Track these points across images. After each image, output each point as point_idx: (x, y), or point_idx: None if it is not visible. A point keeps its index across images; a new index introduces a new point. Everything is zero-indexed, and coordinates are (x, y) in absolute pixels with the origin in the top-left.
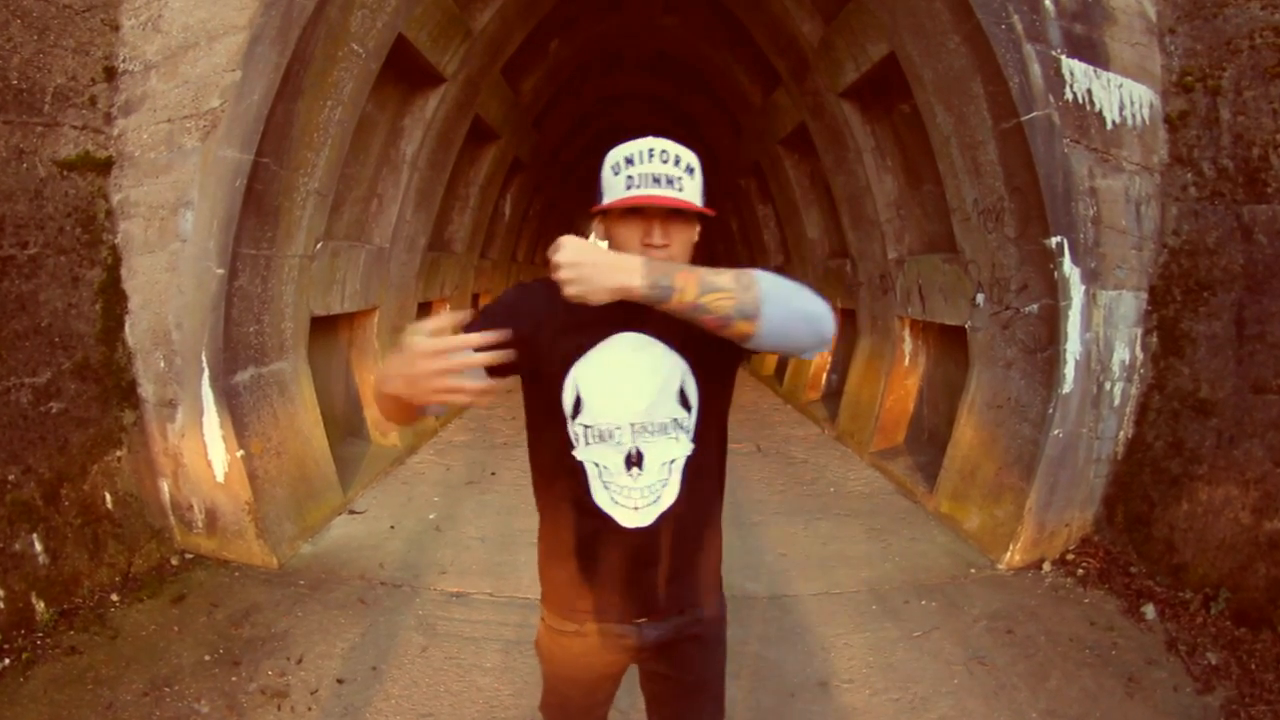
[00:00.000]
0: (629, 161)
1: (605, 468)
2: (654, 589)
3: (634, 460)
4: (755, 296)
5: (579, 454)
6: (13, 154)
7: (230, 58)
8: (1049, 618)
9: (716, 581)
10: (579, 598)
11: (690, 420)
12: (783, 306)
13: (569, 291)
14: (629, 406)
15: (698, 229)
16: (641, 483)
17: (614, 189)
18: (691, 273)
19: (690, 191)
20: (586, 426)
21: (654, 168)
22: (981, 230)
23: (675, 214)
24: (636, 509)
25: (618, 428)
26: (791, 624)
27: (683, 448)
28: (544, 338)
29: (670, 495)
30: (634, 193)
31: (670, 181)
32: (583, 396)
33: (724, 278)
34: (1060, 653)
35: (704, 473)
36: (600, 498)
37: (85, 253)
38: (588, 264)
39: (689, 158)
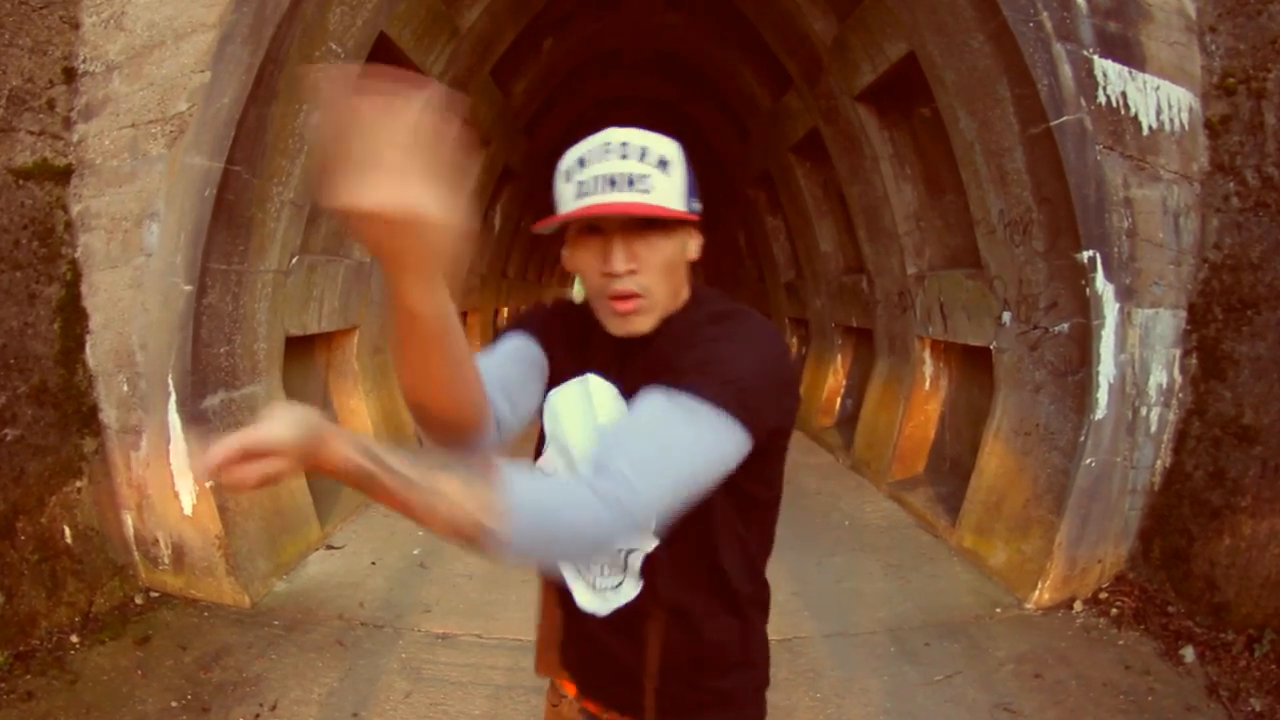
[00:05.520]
0: (581, 163)
1: None
2: (605, 686)
3: None
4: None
5: None
6: None
7: (199, 58)
8: (1081, 661)
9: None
10: (548, 651)
11: None
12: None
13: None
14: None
15: (690, 241)
16: (599, 558)
17: (564, 201)
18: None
19: (663, 191)
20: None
21: (610, 166)
22: (1008, 243)
23: (646, 225)
24: (594, 589)
25: None
26: (803, 667)
27: (642, 539)
28: (551, 362)
29: (629, 590)
30: (583, 202)
31: (631, 182)
32: (545, 435)
33: (448, 482)
34: (1093, 699)
35: (684, 580)
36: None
37: (42, 268)
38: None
39: (661, 148)
